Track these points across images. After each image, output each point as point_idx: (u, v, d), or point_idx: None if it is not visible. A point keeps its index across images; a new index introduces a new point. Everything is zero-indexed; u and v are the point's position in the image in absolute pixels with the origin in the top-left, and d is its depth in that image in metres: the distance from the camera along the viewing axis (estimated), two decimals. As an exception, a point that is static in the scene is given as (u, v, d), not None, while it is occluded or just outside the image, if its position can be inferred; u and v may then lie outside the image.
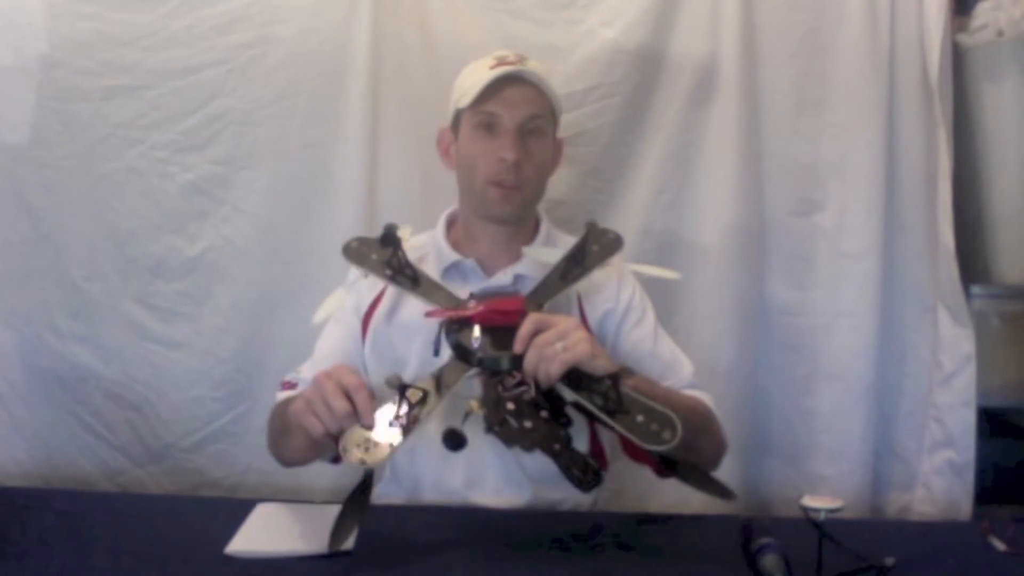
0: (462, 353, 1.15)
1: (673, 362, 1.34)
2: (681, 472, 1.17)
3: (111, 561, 1.08)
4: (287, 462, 1.33)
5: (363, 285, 1.36)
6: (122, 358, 1.67)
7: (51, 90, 1.62)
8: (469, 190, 1.33)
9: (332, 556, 1.09)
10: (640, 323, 1.35)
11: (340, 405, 1.07)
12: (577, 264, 1.28)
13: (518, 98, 1.28)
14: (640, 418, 1.08)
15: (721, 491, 1.17)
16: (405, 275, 1.28)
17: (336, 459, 1.27)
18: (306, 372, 1.33)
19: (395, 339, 1.31)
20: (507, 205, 1.30)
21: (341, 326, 1.36)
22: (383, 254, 1.29)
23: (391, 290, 1.34)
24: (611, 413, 1.08)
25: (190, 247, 1.65)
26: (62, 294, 1.66)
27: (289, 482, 1.45)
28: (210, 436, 1.68)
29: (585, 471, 1.13)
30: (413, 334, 1.29)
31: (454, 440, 1.12)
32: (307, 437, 1.18)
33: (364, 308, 1.35)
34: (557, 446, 1.10)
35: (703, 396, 1.32)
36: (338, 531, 1.10)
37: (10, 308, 1.67)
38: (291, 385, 1.32)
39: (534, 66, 1.31)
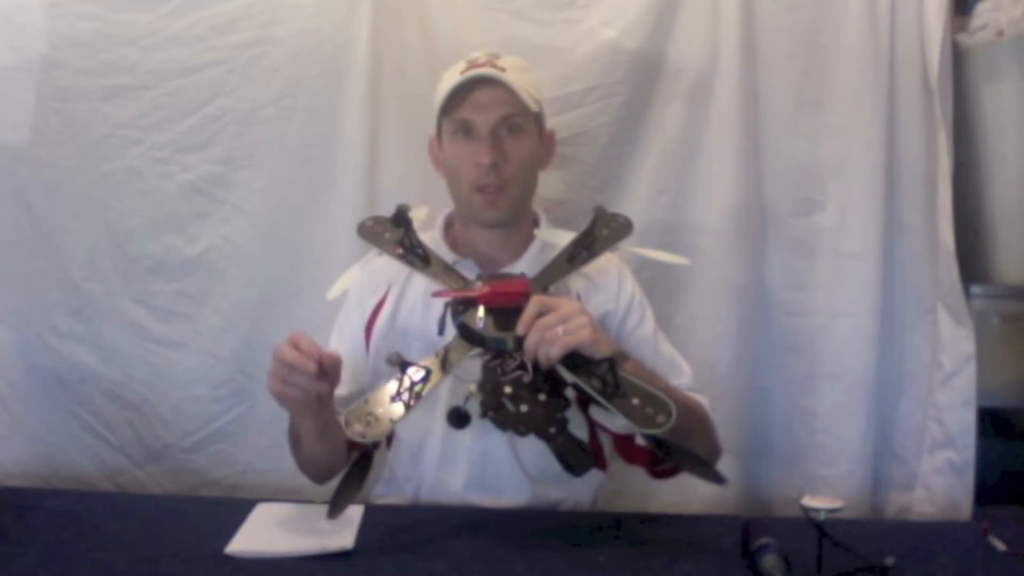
0: (466, 333, 1.17)
1: (673, 365, 1.35)
2: (676, 455, 1.18)
3: (111, 561, 1.08)
4: (317, 474, 1.32)
5: (365, 295, 1.36)
6: (122, 358, 1.67)
7: (51, 90, 1.62)
8: (457, 196, 1.34)
9: (332, 556, 1.09)
10: (640, 325, 1.35)
11: (291, 355, 1.09)
12: (585, 248, 1.29)
13: (489, 100, 1.27)
14: (636, 401, 1.09)
15: (714, 476, 1.17)
16: (416, 255, 1.30)
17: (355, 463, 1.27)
18: None
19: (398, 344, 1.31)
20: (493, 209, 1.30)
21: (346, 339, 1.37)
22: (395, 234, 1.31)
23: (391, 297, 1.35)
24: (608, 396, 1.10)
25: (190, 247, 1.66)
26: (62, 294, 1.66)
27: (289, 482, 1.45)
28: (210, 436, 1.68)
29: (578, 456, 1.13)
30: (412, 339, 1.30)
31: (458, 418, 1.12)
32: (316, 436, 1.19)
33: (366, 317, 1.35)
34: (552, 429, 1.11)
35: (701, 399, 1.32)
36: (337, 499, 1.15)
37: (10, 308, 1.67)
38: None
39: (508, 63, 1.29)
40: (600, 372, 1.10)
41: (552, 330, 1.09)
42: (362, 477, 1.17)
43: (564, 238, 1.33)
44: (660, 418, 1.08)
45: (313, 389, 1.11)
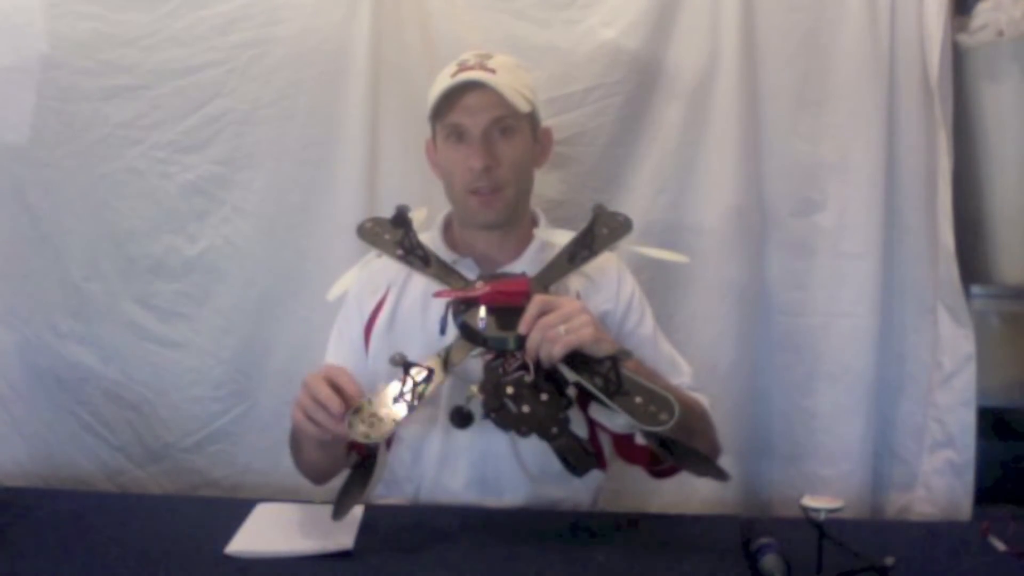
0: (468, 333, 1.17)
1: (673, 364, 1.35)
2: (677, 455, 1.18)
3: (111, 561, 1.09)
4: (316, 478, 1.33)
5: (364, 296, 1.36)
6: (122, 358, 1.67)
7: (51, 90, 1.62)
8: (452, 200, 1.34)
9: (332, 556, 1.09)
10: (640, 324, 1.35)
11: (326, 393, 1.09)
12: (585, 247, 1.29)
13: (479, 103, 1.26)
14: (639, 399, 1.09)
15: (716, 472, 1.17)
16: (416, 255, 1.30)
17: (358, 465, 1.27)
18: None
19: (397, 346, 1.31)
20: (489, 211, 1.30)
21: (345, 342, 1.37)
22: (395, 235, 1.31)
23: (390, 299, 1.34)
24: (611, 394, 1.10)
25: (190, 247, 1.66)
26: (62, 294, 1.66)
27: (289, 482, 1.45)
28: (210, 436, 1.68)
29: (581, 456, 1.13)
30: (411, 340, 1.30)
31: (460, 418, 1.12)
32: (319, 448, 1.20)
33: (365, 319, 1.36)
34: (554, 430, 1.10)
35: (701, 398, 1.32)
36: (342, 501, 1.14)
37: (10, 308, 1.67)
38: None
39: (498, 63, 1.29)
40: (602, 370, 1.10)
41: (554, 329, 1.09)
42: (366, 479, 1.17)
43: (563, 237, 1.33)
44: (663, 416, 1.08)
45: (333, 431, 1.11)
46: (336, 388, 1.10)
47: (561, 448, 1.12)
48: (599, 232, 1.31)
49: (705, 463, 1.18)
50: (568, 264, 1.29)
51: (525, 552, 1.12)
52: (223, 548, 1.11)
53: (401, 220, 1.30)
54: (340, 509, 1.14)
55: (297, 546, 1.12)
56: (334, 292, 1.35)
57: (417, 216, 1.33)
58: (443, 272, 1.29)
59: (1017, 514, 1.23)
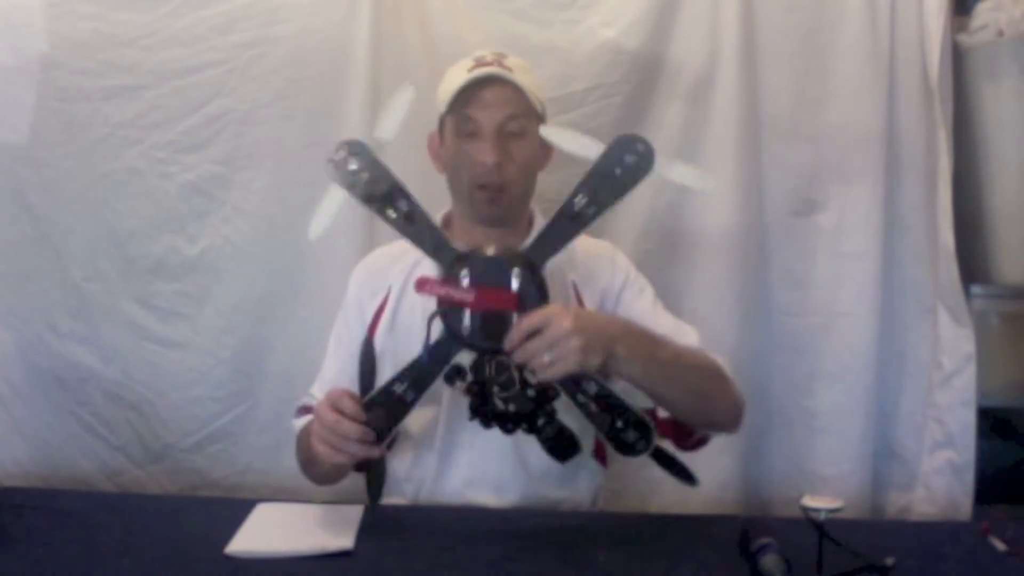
0: (454, 334, 1.11)
1: (677, 331, 1.29)
2: (656, 458, 1.19)
3: (111, 561, 1.08)
4: (321, 483, 1.33)
5: (365, 299, 1.35)
6: (122, 358, 1.67)
7: (51, 90, 1.62)
8: (457, 193, 1.34)
9: (332, 556, 1.09)
10: (639, 297, 1.33)
11: (347, 428, 1.09)
12: (589, 198, 1.12)
13: (495, 100, 1.26)
14: (619, 423, 1.10)
15: (686, 476, 1.18)
16: (400, 211, 1.13)
17: (360, 467, 1.27)
18: (318, 393, 1.33)
19: (400, 343, 1.31)
20: (494, 207, 1.29)
21: (344, 345, 1.36)
22: (365, 174, 1.15)
23: (392, 297, 1.34)
24: (590, 415, 1.10)
25: (190, 247, 1.66)
26: (62, 294, 1.66)
27: (289, 482, 1.45)
28: (210, 436, 1.68)
29: (563, 443, 1.13)
30: (414, 338, 1.29)
31: (454, 376, 1.11)
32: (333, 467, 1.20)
33: (368, 322, 1.35)
34: (541, 420, 1.10)
35: (717, 358, 1.27)
36: (371, 491, 1.30)
37: (10, 308, 1.67)
38: (307, 410, 1.29)
39: (513, 63, 1.29)
40: (590, 391, 1.09)
41: (539, 358, 1.05)
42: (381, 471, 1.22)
43: (569, 139, 1.17)
44: (640, 445, 1.10)
45: (365, 456, 1.11)
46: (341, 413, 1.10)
47: (547, 439, 1.12)
48: (610, 171, 1.12)
49: (677, 468, 1.19)
50: (568, 223, 1.12)
51: (525, 552, 1.12)
52: (223, 548, 1.11)
53: (357, 148, 1.14)
54: (373, 497, 1.26)
55: (297, 546, 1.12)
56: (315, 229, 1.19)
57: (401, 96, 1.14)
58: (427, 230, 1.14)
59: (1017, 514, 1.23)
